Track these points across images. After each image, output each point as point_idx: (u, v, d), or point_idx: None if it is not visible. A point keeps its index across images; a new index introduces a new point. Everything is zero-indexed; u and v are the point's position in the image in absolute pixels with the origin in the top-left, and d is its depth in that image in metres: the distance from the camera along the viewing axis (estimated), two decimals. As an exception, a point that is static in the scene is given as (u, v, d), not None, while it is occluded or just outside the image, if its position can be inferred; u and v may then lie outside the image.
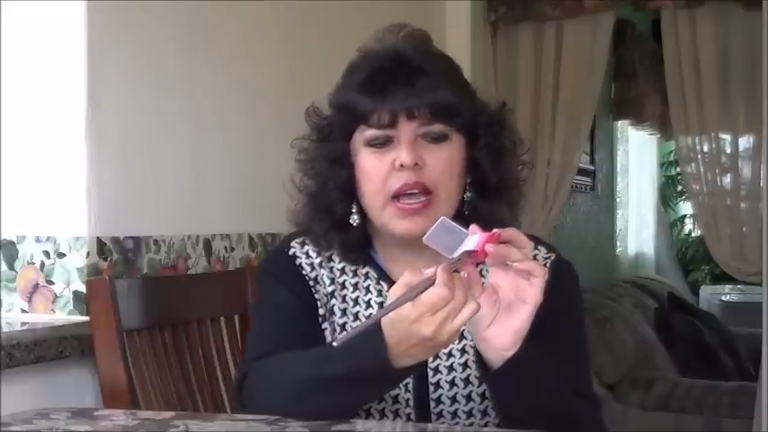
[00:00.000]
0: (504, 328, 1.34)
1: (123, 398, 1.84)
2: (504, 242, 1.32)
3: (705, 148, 4.10)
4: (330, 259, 1.60)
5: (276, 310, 1.58)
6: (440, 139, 1.49)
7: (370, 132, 1.49)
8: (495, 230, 1.31)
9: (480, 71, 3.83)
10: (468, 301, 1.27)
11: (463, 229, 1.32)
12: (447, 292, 1.26)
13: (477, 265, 1.38)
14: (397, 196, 1.48)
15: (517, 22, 4.20)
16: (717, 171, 4.09)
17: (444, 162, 1.48)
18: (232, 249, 2.47)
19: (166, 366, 1.98)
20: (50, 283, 2.03)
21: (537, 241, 1.59)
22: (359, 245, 1.57)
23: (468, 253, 1.30)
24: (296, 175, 1.60)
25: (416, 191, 1.47)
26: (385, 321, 1.29)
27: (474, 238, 1.30)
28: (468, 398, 1.53)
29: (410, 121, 1.47)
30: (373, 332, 1.28)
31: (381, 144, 1.49)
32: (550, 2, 4.13)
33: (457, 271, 1.31)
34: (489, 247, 1.29)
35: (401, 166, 1.46)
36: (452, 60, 1.58)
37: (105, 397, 1.86)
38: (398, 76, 1.47)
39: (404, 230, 1.50)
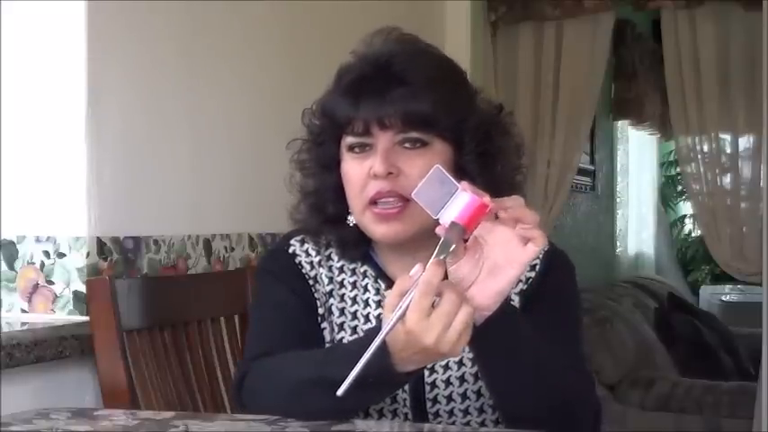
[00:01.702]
0: (487, 289, 1.31)
1: (123, 398, 1.84)
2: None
3: (705, 148, 4.10)
4: (329, 258, 1.61)
5: (275, 308, 1.58)
6: (418, 146, 1.48)
7: (349, 139, 1.51)
8: (485, 200, 1.26)
9: (480, 71, 3.83)
10: (462, 305, 1.25)
11: (455, 182, 1.27)
12: (424, 303, 1.24)
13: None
14: (374, 201, 1.48)
15: (517, 22, 4.19)
16: (717, 171, 4.09)
17: (421, 169, 1.45)
18: (232, 249, 2.47)
19: (166, 366, 1.98)
20: (50, 283, 2.03)
21: None
22: (356, 242, 1.57)
23: (454, 228, 1.26)
24: (293, 173, 1.60)
25: (391, 199, 1.47)
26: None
27: (463, 197, 1.26)
28: (464, 396, 1.53)
29: (383, 131, 1.47)
30: (376, 338, 1.27)
31: (360, 150, 1.50)
32: (550, 2, 4.13)
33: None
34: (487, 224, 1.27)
35: (375, 175, 1.47)
36: (445, 64, 1.57)
37: (105, 397, 1.86)
38: (374, 85, 1.47)
39: (381, 235, 1.50)
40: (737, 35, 4.00)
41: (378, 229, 1.49)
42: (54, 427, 1.33)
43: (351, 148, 1.51)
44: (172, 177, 2.28)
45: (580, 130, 4.31)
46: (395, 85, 1.46)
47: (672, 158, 7.03)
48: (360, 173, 1.49)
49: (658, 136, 6.49)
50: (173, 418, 1.40)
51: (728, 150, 4.09)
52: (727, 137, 4.11)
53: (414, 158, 1.47)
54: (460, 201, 1.26)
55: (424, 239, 1.50)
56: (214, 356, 2.12)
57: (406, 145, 1.48)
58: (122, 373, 1.85)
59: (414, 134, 1.47)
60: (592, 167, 5.69)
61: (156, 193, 2.22)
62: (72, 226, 2.02)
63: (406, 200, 1.46)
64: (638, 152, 6.71)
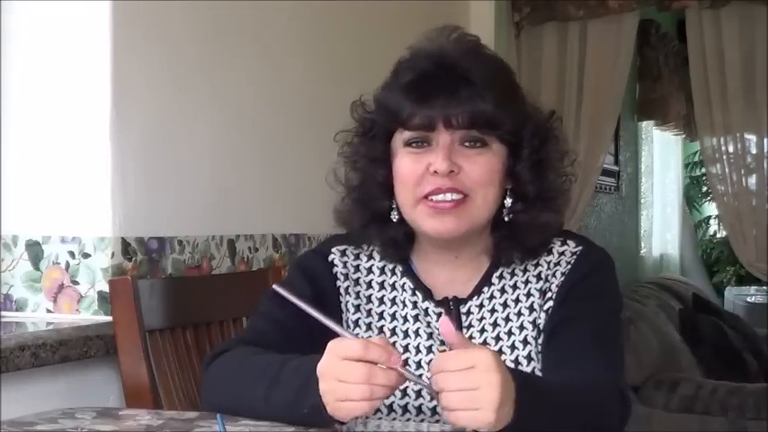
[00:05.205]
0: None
1: (146, 397, 1.85)
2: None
3: (730, 148, 4.08)
4: (369, 271, 1.61)
5: (284, 301, 1.56)
6: (478, 145, 1.48)
7: (408, 134, 1.50)
8: None
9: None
10: (360, 384, 1.20)
11: None
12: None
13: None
14: (428, 196, 1.48)
15: (541, 23, 4.19)
16: (742, 172, 4.08)
17: (481, 169, 1.47)
18: (256, 250, 2.47)
19: (188, 366, 1.99)
20: (75, 283, 2.04)
21: (567, 235, 1.59)
22: (399, 242, 1.56)
23: None
24: (339, 167, 1.60)
25: (449, 193, 1.47)
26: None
27: None
28: None
29: (447, 129, 1.47)
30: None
31: (419, 145, 1.49)
32: (574, 2, 4.12)
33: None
34: None
35: (435, 172, 1.46)
36: (503, 67, 1.57)
37: (128, 396, 1.87)
38: (441, 83, 1.47)
39: (433, 230, 1.49)
40: (762, 35, 3.98)
41: (430, 223, 1.49)
42: (80, 427, 1.33)
43: (408, 143, 1.50)
44: (196, 178, 2.29)
45: (604, 130, 4.30)
46: (463, 85, 1.46)
47: (696, 159, 7.00)
48: (416, 169, 1.48)
49: (683, 136, 6.46)
50: (197, 418, 1.40)
51: (754, 151, 4.08)
52: (752, 137, 4.09)
53: (473, 157, 1.47)
54: None
55: (465, 246, 1.53)
56: (237, 357, 2.13)
57: (466, 144, 1.48)
58: (145, 373, 1.86)
59: (477, 134, 1.47)
60: (616, 168, 5.67)
61: (180, 194, 2.23)
62: (97, 226, 2.03)
63: (463, 194, 1.46)
64: (662, 153, 6.68)
